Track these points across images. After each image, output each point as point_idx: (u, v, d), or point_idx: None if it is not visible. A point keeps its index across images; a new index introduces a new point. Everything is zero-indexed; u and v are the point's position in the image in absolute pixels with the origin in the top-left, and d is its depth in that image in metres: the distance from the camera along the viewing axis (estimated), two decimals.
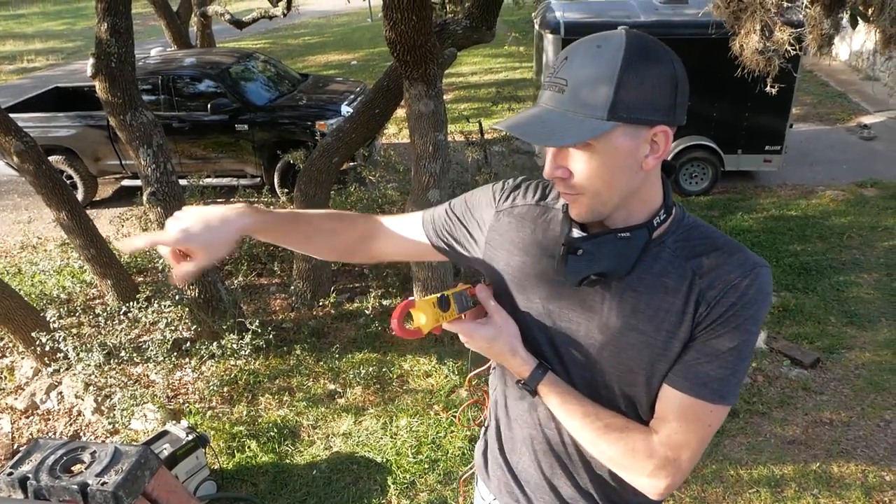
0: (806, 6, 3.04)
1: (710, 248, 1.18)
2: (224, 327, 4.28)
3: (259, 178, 7.36)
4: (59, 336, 4.11)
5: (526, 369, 1.26)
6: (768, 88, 3.55)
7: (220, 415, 4.10)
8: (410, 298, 1.25)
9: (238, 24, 9.95)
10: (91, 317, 4.84)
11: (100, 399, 4.16)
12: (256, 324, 4.25)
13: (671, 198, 1.21)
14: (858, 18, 2.75)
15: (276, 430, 3.92)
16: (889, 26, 2.48)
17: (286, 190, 7.04)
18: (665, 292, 1.17)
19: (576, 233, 1.21)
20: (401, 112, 5.10)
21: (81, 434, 4.08)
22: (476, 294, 1.31)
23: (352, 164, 6.15)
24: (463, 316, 1.30)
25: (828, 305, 4.97)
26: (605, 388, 1.26)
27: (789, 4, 2.83)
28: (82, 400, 4.22)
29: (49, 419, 4.23)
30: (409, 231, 1.47)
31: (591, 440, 1.24)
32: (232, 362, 4.48)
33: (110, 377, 4.22)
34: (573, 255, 1.19)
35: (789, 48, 2.99)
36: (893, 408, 3.92)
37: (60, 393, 4.32)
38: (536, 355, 1.30)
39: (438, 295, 1.25)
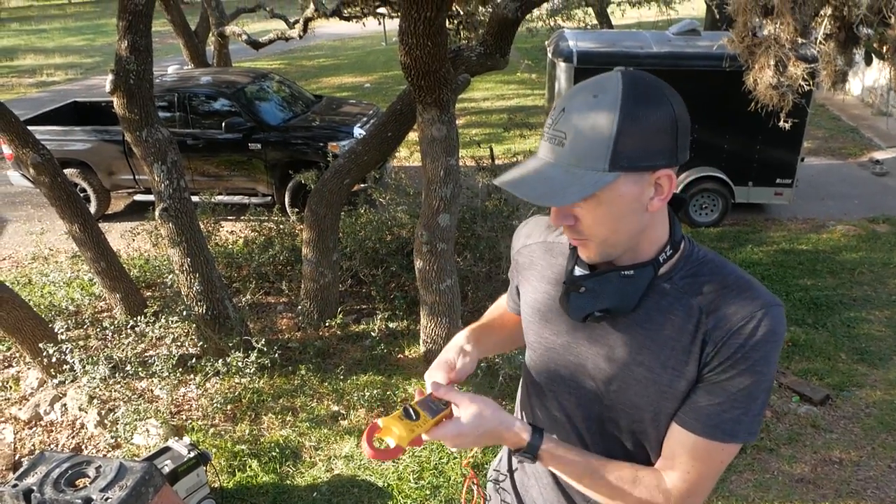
0: (820, 42, 3.05)
1: (719, 285, 1.15)
2: (230, 345, 4.27)
3: (270, 198, 7.40)
4: (66, 348, 4.12)
5: (523, 438, 1.22)
6: (781, 123, 3.56)
7: (223, 433, 4.08)
8: (374, 422, 1.19)
9: (255, 44, 10.09)
10: (98, 329, 4.85)
11: (103, 412, 4.15)
12: (262, 342, 4.24)
13: (679, 233, 1.21)
14: (873, 56, 2.76)
15: (277, 450, 3.89)
16: None
17: (296, 210, 7.07)
18: (671, 330, 1.16)
19: (578, 270, 1.22)
20: (413, 135, 5.14)
21: (83, 447, 4.06)
22: (438, 395, 1.24)
23: (363, 185, 6.18)
24: (443, 421, 1.22)
25: (838, 342, 4.92)
26: (612, 423, 1.26)
27: (804, 41, 2.85)
28: (86, 413, 4.21)
29: (52, 431, 4.22)
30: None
31: (604, 498, 1.23)
32: (236, 380, 4.47)
33: (115, 391, 4.21)
34: (576, 293, 1.20)
35: (803, 83, 2.99)
36: None
37: (64, 405, 4.32)
38: (550, 386, 1.31)
39: (402, 408, 1.20)
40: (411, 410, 1.19)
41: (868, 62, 2.88)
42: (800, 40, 2.79)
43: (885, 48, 2.59)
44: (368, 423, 1.33)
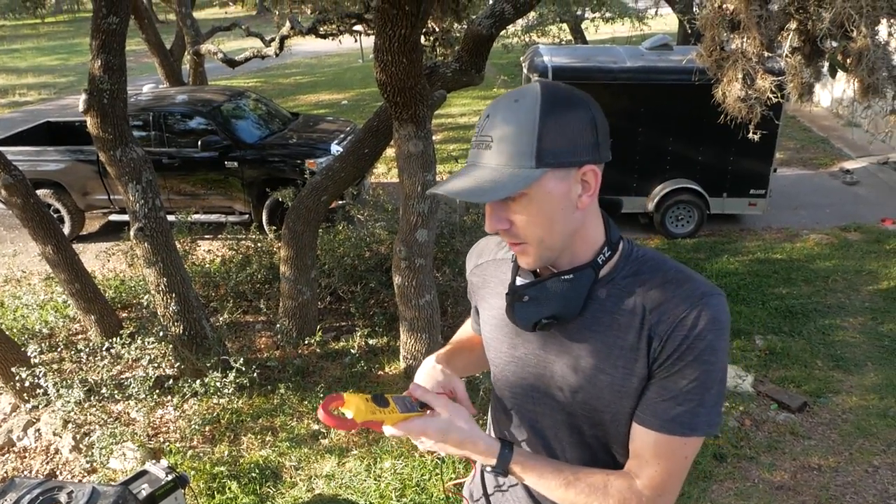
0: (786, 56, 3.13)
1: (660, 280, 1.18)
2: (208, 365, 4.22)
3: (247, 216, 7.36)
4: (40, 372, 4.04)
5: (492, 452, 1.22)
6: (751, 135, 3.63)
7: (201, 454, 4.01)
8: (339, 393, 1.19)
9: (231, 62, 10.07)
10: (73, 352, 4.77)
11: (78, 437, 4.07)
12: (241, 362, 4.20)
13: (616, 234, 1.24)
14: (837, 68, 2.84)
15: (257, 471, 3.84)
16: (867, 76, 2.55)
17: (274, 227, 7.03)
18: (618, 329, 1.19)
19: (519, 280, 1.25)
20: (390, 152, 5.15)
21: (58, 473, 3.98)
22: (416, 396, 1.24)
23: (341, 202, 6.17)
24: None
25: (814, 349, 4.98)
26: (576, 430, 1.28)
27: (770, 54, 2.92)
28: (60, 437, 4.13)
29: (25, 457, 4.12)
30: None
31: None
32: (215, 401, 4.41)
33: (90, 414, 4.14)
34: (520, 303, 1.22)
35: (771, 96, 3.06)
36: (882, 453, 3.91)
37: (38, 430, 4.23)
38: (514, 399, 1.33)
39: (372, 394, 1.20)
40: (382, 398, 1.20)
41: (833, 75, 2.96)
42: (766, 54, 2.85)
43: (848, 61, 2.66)
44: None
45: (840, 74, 3.08)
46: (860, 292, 5.82)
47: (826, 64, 2.93)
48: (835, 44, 2.75)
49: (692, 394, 1.14)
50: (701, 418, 1.14)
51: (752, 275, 6.18)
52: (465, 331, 1.63)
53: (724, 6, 2.82)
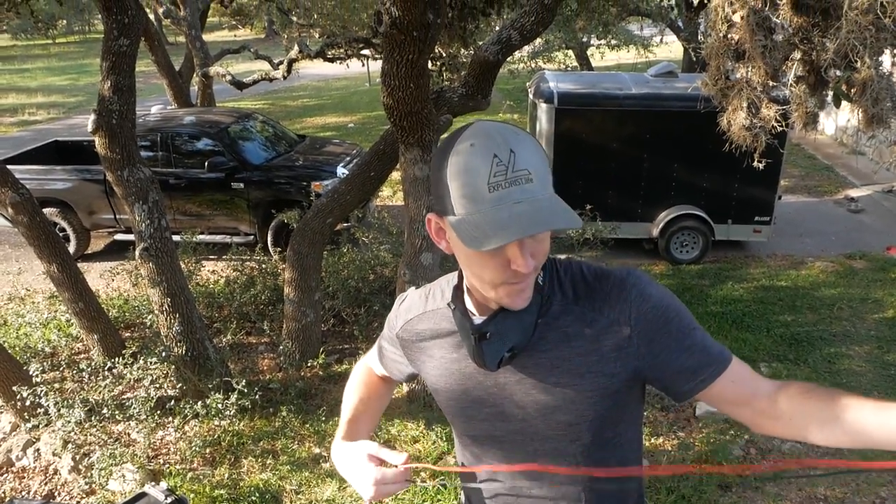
0: (791, 85, 3.15)
1: (590, 282, 1.22)
2: (210, 386, 4.21)
3: (252, 237, 7.38)
4: (41, 391, 4.03)
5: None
6: (755, 163, 3.64)
7: (201, 477, 3.98)
8: None
9: (239, 84, 10.16)
10: (75, 371, 4.75)
11: (78, 457, 4.04)
12: (243, 383, 4.18)
13: None
14: (842, 98, 2.85)
15: (257, 495, 3.80)
16: (871, 106, 2.57)
17: (279, 249, 7.05)
18: (569, 340, 1.19)
19: (477, 319, 1.22)
20: (396, 175, 5.17)
21: (57, 494, 3.95)
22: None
23: (346, 224, 6.19)
24: None
25: (820, 377, 4.94)
26: (554, 452, 1.27)
27: (774, 83, 2.94)
28: (60, 458, 4.10)
29: (24, 477, 4.10)
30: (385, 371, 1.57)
31: None
32: (216, 422, 4.38)
33: (90, 434, 4.11)
34: (486, 342, 1.18)
35: (776, 125, 3.08)
36: (889, 484, 3.86)
37: (38, 450, 4.20)
38: (482, 444, 1.33)
39: None
40: None
41: (837, 104, 2.97)
42: (771, 83, 2.88)
43: (852, 91, 2.68)
44: None
45: (844, 104, 3.09)
46: (865, 321, 5.79)
47: (830, 94, 2.95)
48: (839, 74, 2.78)
49: (704, 336, 1.20)
50: (717, 347, 1.21)
51: (756, 302, 6.15)
52: (355, 388, 1.56)
53: (730, 36, 2.85)
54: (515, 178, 1.04)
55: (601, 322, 1.18)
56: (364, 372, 1.59)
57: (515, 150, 1.05)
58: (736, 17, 2.75)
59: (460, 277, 1.28)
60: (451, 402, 1.33)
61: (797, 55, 3.00)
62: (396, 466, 1.26)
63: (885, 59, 2.96)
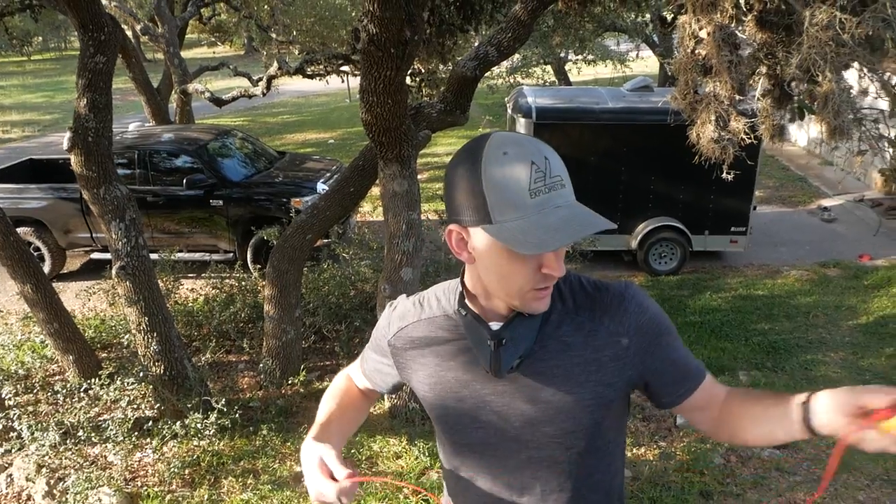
0: (758, 99, 3.23)
1: (590, 293, 1.25)
2: (189, 406, 4.16)
3: (232, 254, 7.33)
4: (14, 414, 3.96)
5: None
6: (724, 175, 3.72)
7: (180, 499, 3.92)
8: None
9: (218, 101, 10.14)
10: (49, 394, 4.68)
11: (52, 482, 3.96)
12: (222, 402, 4.14)
13: None
14: (805, 111, 2.93)
15: None
16: (833, 119, 2.64)
17: (259, 266, 7.01)
18: (568, 349, 1.22)
19: (494, 325, 1.23)
20: (376, 190, 5.17)
21: None
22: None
23: (326, 241, 6.17)
24: None
25: (797, 384, 5.00)
26: (548, 461, 1.28)
27: (741, 97, 3.01)
28: (33, 483, 4.01)
29: None
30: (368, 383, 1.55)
31: None
32: (195, 443, 4.33)
33: (65, 458, 4.04)
34: (502, 347, 1.20)
35: (744, 137, 3.15)
36: (866, 488, 3.90)
37: (10, 475, 4.11)
38: (473, 454, 1.33)
39: None
40: None
41: (801, 117, 3.06)
42: (738, 97, 2.95)
43: (815, 103, 2.76)
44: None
45: (809, 117, 3.17)
46: (840, 327, 5.88)
47: (796, 107, 3.03)
48: (803, 88, 2.85)
49: (685, 350, 1.28)
50: (695, 363, 1.30)
51: (734, 311, 6.23)
52: (333, 395, 1.55)
53: (697, 51, 2.92)
54: (552, 183, 1.09)
55: (601, 332, 1.22)
56: (344, 381, 1.59)
57: (548, 157, 1.10)
58: (703, 34, 2.82)
59: (464, 285, 1.28)
60: (445, 411, 1.33)
61: (763, 70, 3.07)
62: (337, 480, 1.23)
63: (853, 73, 3.04)
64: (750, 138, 3.19)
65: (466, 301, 1.25)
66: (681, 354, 1.27)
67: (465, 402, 1.29)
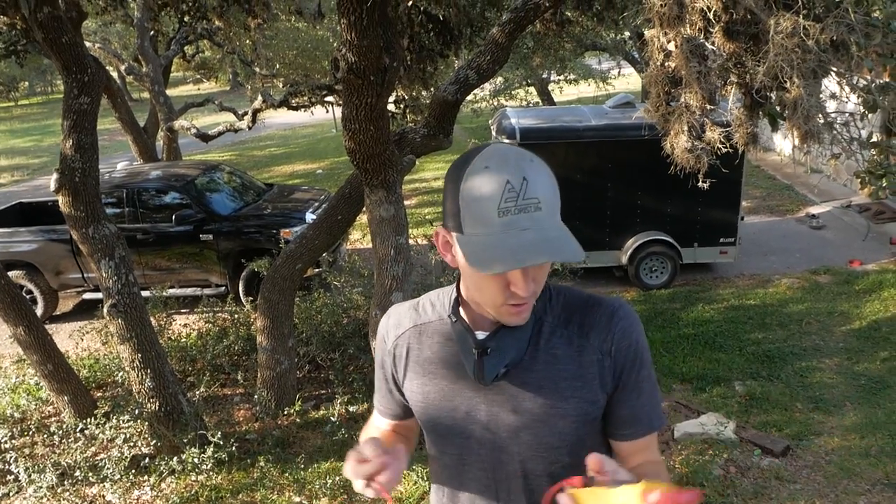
0: (731, 108, 3.30)
1: (580, 307, 1.26)
2: (185, 441, 4.14)
3: (224, 288, 7.33)
4: (10, 457, 3.93)
5: None
6: (701, 184, 3.78)
7: None
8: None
9: (204, 137, 10.20)
10: (46, 435, 4.64)
11: None
12: (219, 436, 4.12)
13: None
14: (777, 118, 3.00)
15: None
16: (803, 123, 2.70)
17: (251, 298, 7.01)
18: (557, 362, 1.23)
19: (479, 335, 1.24)
20: (364, 218, 5.21)
21: None
22: None
23: (317, 269, 6.19)
24: None
25: (793, 392, 5.01)
26: (532, 475, 1.28)
27: (712, 107, 3.08)
28: None
29: None
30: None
31: None
32: (193, 478, 4.30)
33: (63, 499, 4.00)
34: (486, 356, 1.22)
35: (720, 146, 3.22)
36: (867, 493, 3.90)
37: None
38: (463, 462, 1.33)
39: None
40: None
41: (773, 126, 3.12)
42: (708, 107, 3.01)
43: (785, 109, 2.83)
44: None
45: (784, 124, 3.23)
46: (834, 333, 5.91)
47: (768, 115, 3.09)
48: (772, 95, 2.92)
49: (652, 391, 1.28)
50: (659, 412, 1.29)
51: (727, 322, 6.25)
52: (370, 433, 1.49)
53: (666, 64, 2.99)
54: (525, 205, 1.08)
55: (587, 348, 1.23)
56: (372, 425, 1.54)
57: (528, 178, 1.08)
58: (671, 46, 2.89)
59: (458, 290, 1.29)
60: (436, 418, 1.33)
61: (733, 79, 3.14)
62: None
63: (830, 81, 3.12)
64: (726, 147, 3.25)
65: (460, 308, 1.28)
66: (645, 394, 1.26)
67: (457, 410, 1.29)
